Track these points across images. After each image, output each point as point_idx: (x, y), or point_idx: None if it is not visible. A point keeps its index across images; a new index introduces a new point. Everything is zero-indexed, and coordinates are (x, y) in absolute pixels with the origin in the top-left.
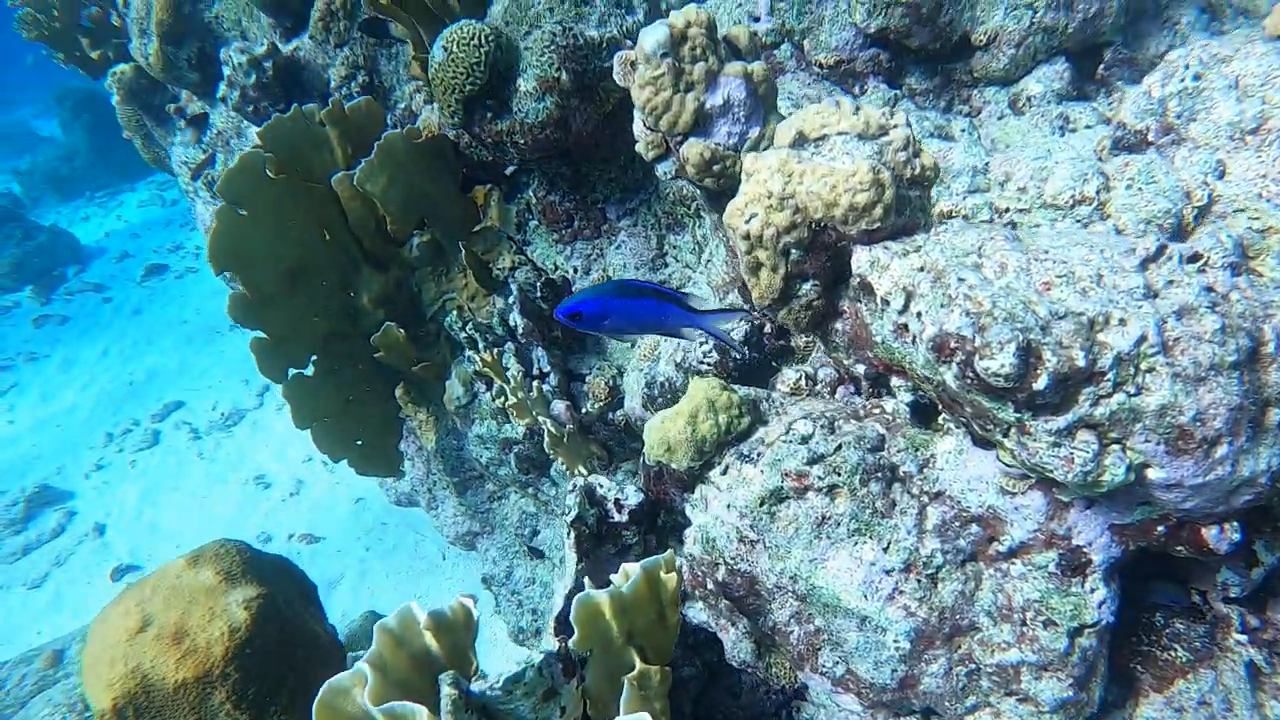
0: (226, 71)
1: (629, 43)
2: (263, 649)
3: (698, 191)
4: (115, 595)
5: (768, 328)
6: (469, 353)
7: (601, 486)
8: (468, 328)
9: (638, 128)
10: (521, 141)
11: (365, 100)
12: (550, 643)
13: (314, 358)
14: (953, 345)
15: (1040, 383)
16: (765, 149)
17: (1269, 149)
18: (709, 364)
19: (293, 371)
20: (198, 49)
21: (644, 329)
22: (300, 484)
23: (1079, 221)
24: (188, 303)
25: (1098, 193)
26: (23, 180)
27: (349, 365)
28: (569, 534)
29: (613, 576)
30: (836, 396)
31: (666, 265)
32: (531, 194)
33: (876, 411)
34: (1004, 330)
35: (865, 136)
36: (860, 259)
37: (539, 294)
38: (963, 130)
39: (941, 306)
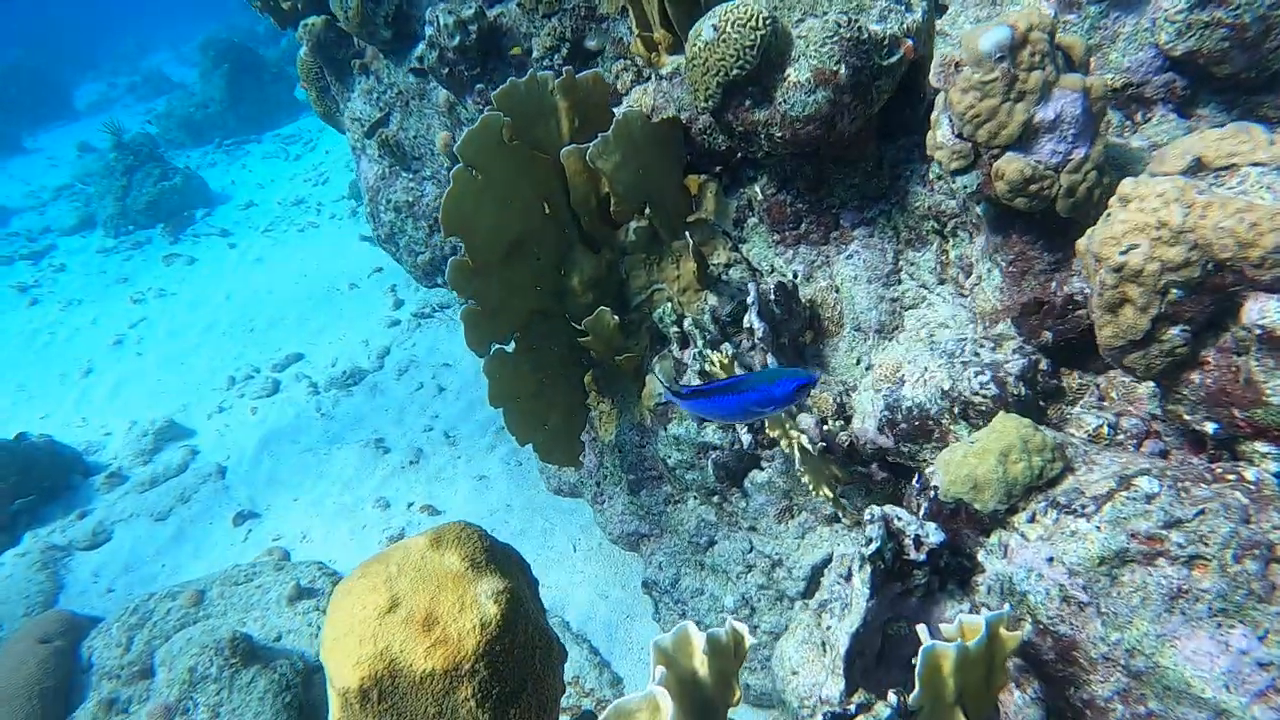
0: (429, 31)
1: (910, 40)
2: (510, 648)
3: (979, 209)
4: (356, 564)
5: (1043, 364)
6: (692, 350)
7: (900, 519)
8: (685, 323)
9: (943, 134)
10: (779, 135)
11: (593, 74)
12: (831, 686)
13: (516, 335)
14: None
15: None
16: (1149, 175)
17: None
18: (986, 396)
19: (495, 346)
20: (395, 6)
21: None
22: (420, 453)
23: None
24: (308, 257)
25: None
26: (159, 122)
27: (549, 346)
28: (863, 567)
29: (944, 626)
30: (1144, 450)
31: (900, 282)
32: (758, 189)
33: (1231, 478)
34: None
35: None
36: (1265, 309)
37: (772, 296)
38: None
39: None
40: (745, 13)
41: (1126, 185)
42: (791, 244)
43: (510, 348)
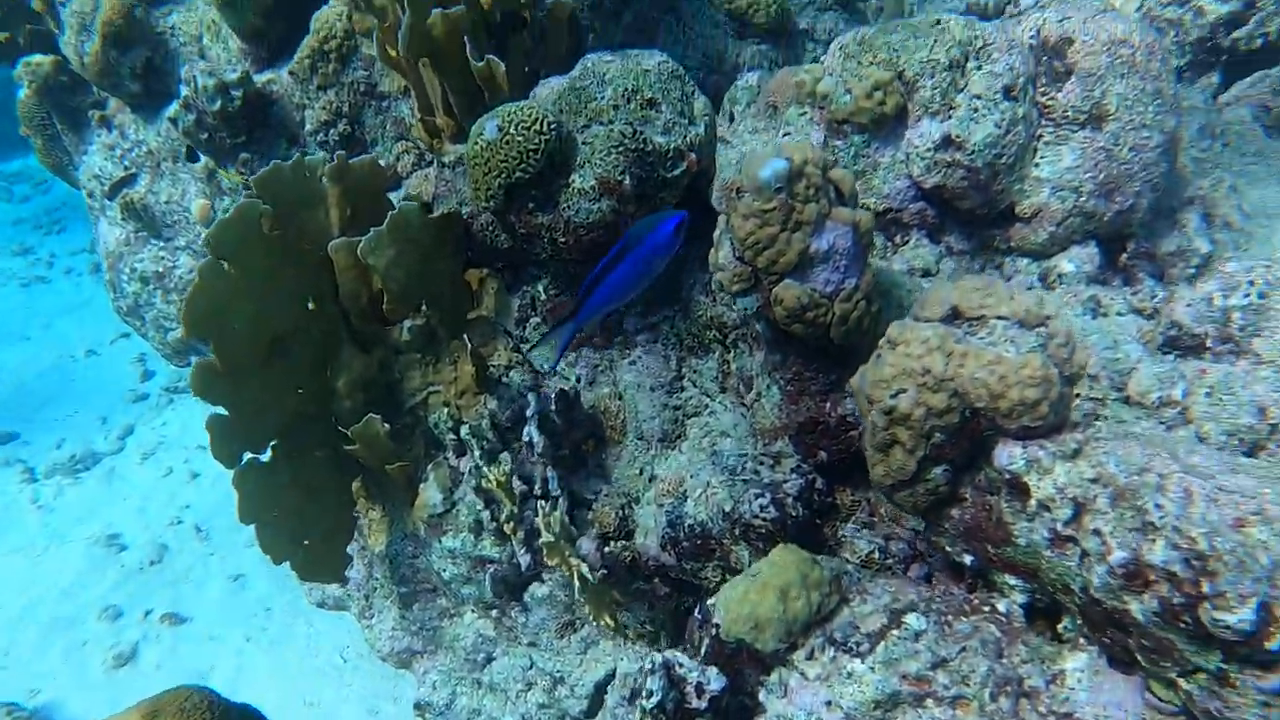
0: (185, 91)
1: (693, 154)
2: None
3: (759, 326)
4: None
5: (819, 483)
6: (469, 460)
7: (681, 666)
8: (462, 430)
9: (725, 255)
10: (562, 240)
11: (369, 160)
12: None
13: (274, 442)
14: (1153, 578)
15: (1275, 643)
16: (913, 318)
17: None
18: (766, 519)
19: (248, 457)
20: (145, 59)
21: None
22: (164, 550)
23: (1164, 424)
24: (33, 317)
25: (1184, 396)
26: None
27: (311, 454)
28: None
29: None
30: (911, 573)
31: (683, 389)
32: (541, 289)
33: (986, 610)
34: (1243, 582)
35: (1027, 325)
36: (1013, 454)
37: (552, 406)
38: None
39: (1133, 531)
40: (530, 116)
41: (894, 330)
42: (575, 346)
43: (265, 457)
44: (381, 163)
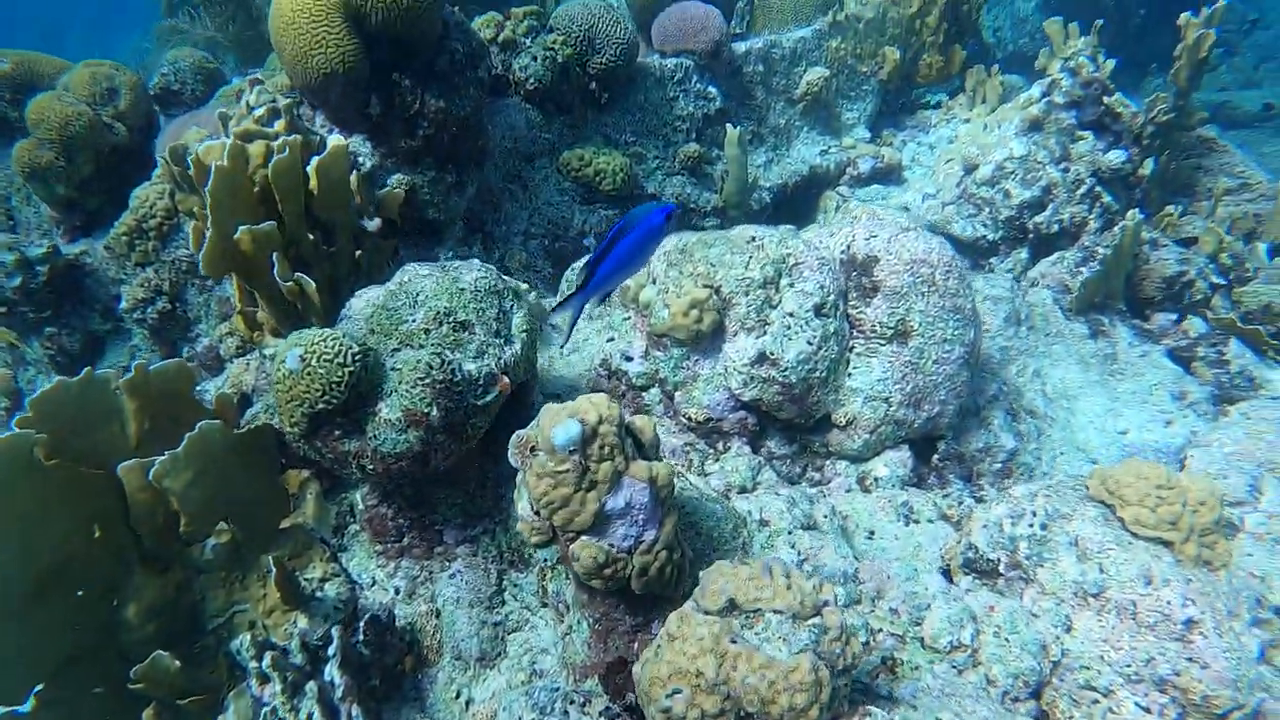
0: None
1: (505, 379)
2: None
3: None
4: None
5: None
6: (271, 688)
7: None
8: (264, 663)
9: (524, 507)
10: (370, 467)
11: (176, 364)
12: None
13: (39, 688)
14: None
15: None
16: (693, 608)
17: (1108, 616)
18: None
19: (1, 711)
20: None
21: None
22: None
23: (955, 668)
24: None
25: (972, 640)
26: None
27: (87, 693)
28: None
29: None
30: None
31: (504, 604)
32: (359, 498)
33: None
34: None
35: (800, 617)
36: None
37: (360, 636)
38: (825, 516)
39: None
40: (334, 347)
41: (673, 622)
42: (395, 556)
43: (27, 707)
44: (203, 342)
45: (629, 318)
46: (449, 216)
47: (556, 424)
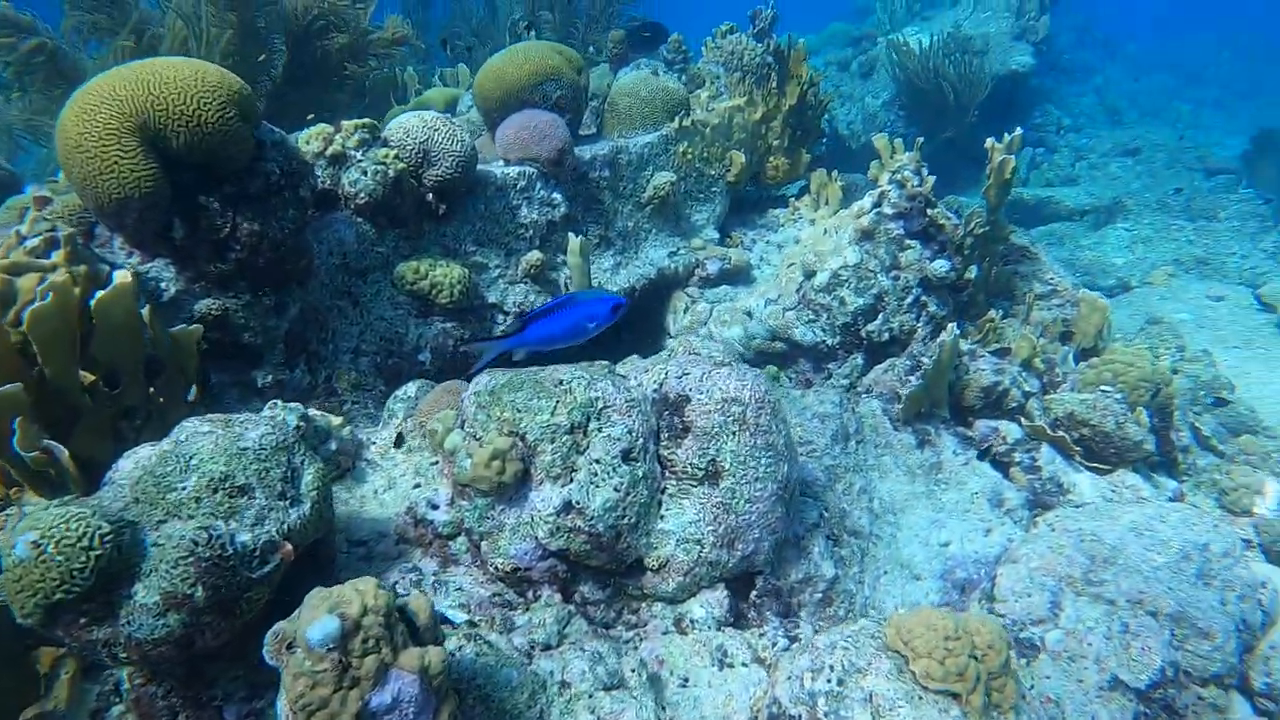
0: None
1: (288, 545)
2: None
3: None
4: None
5: None
6: None
7: None
8: None
9: (281, 708)
10: (124, 655)
11: None
12: None
13: None
14: None
15: None
16: None
17: None
18: None
19: None
20: None
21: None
22: None
23: None
24: None
25: None
26: None
27: None
28: None
29: None
30: None
31: None
32: (125, 676)
33: None
34: None
35: None
36: None
37: None
38: (633, 670)
39: None
40: (78, 530)
41: None
42: None
43: None
44: None
45: (436, 463)
46: (268, 339)
47: (314, 619)
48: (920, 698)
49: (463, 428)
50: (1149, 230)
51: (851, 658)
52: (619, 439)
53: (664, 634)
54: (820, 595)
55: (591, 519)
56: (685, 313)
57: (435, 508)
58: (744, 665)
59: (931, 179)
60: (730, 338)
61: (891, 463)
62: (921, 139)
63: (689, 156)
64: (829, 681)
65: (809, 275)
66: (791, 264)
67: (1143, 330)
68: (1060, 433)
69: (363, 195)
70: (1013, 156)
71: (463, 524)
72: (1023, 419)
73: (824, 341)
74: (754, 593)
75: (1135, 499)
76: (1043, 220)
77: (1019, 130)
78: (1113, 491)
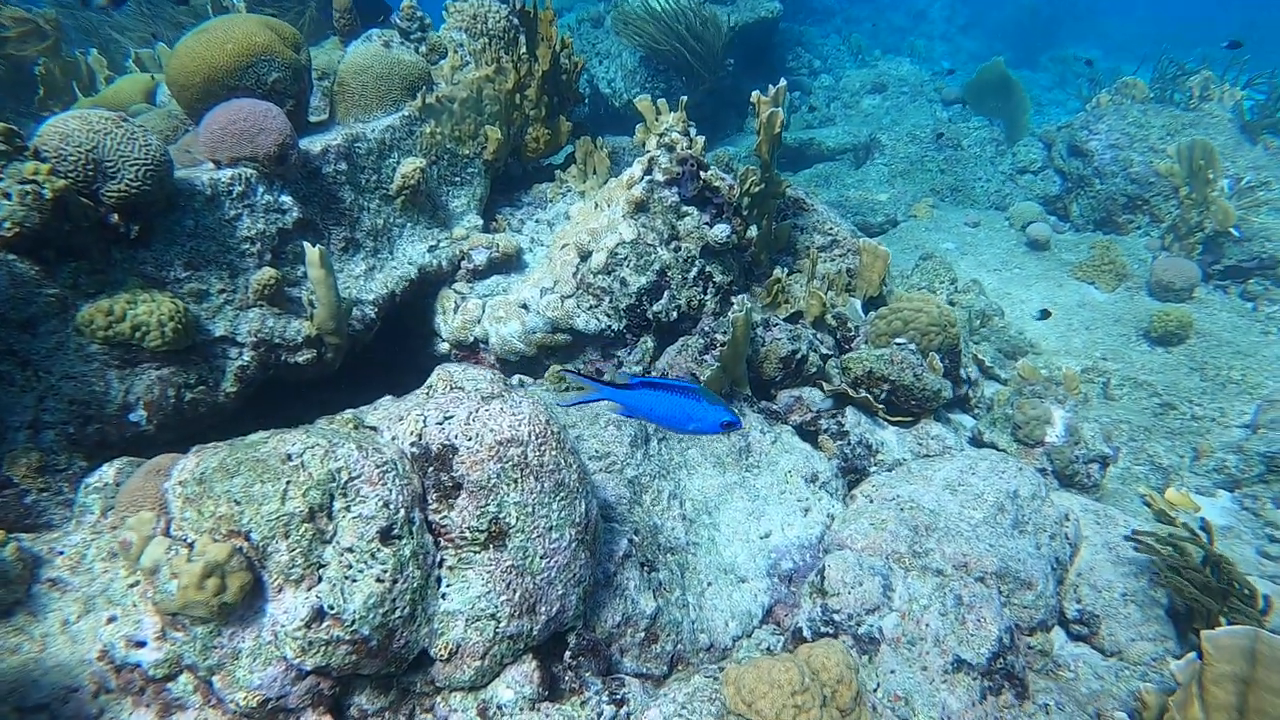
0: None
1: None
2: None
3: None
4: None
5: None
6: None
7: None
8: None
9: None
10: None
11: None
12: None
13: None
14: None
15: None
16: None
17: None
18: None
19: None
20: None
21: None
22: None
23: None
24: None
25: None
26: None
27: None
28: None
29: None
30: None
31: None
32: None
33: None
34: None
35: None
36: None
37: None
38: None
39: None
40: None
41: None
42: None
43: None
44: None
45: (135, 584)
46: None
47: None
48: None
49: (168, 533)
50: (904, 164)
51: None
52: (374, 516)
53: None
54: (643, 635)
55: (352, 623)
56: (456, 312)
57: (140, 645)
58: None
59: (701, 139)
60: (508, 335)
61: (699, 455)
62: (685, 97)
63: (438, 137)
64: None
65: (585, 257)
66: (565, 244)
67: (917, 267)
68: (862, 393)
69: (8, 226)
70: (780, 109)
71: (181, 660)
72: (824, 384)
73: (610, 327)
74: (567, 653)
75: (942, 450)
76: (808, 162)
77: (783, 82)
78: (919, 445)
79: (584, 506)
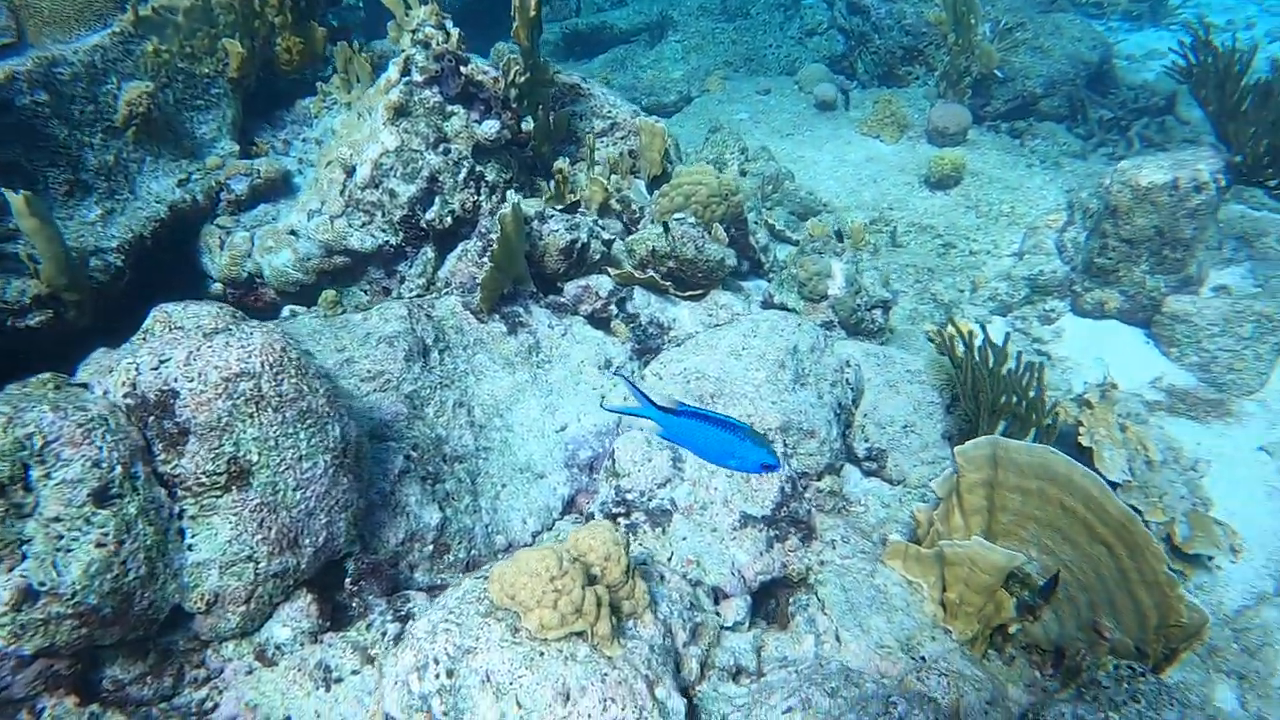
0: None
1: None
2: None
3: None
4: None
5: None
6: None
7: None
8: None
9: None
10: None
11: None
12: None
13: None
14: None
15: None
16: None
17: None
18: None
19: None
20: None
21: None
22: None
23: None
24: None
25: None
26: None
27: None
28: None
29: None
30: None
31: None
32: None
33: None
34: None
35: None
36: None
37: None
38: None
39: None
40: None
41: None
42: None
43: None
44: None
45: None
46: None
47: None
48: (541, 654)
49: None
50: (696, 39)
51: (456, 640)
52: (82, 479)
53: (248, 674)
54: (431, 547)
55: (73, 596)
56: (223, 249)
57: None
58: (354, 673)
59: (457, 31)
60: (282, 265)
61: (487, 360)
62: None
63: (164, 56)
64: (438, 678)
65: (350, 172)
66: (329, 161)
67: (707, 140)
68: (649, 273)
69: None
70: None
71: None
72: (610, 269)
73: (387, 243)
74: (348, 580)
75: (731, 318)
76: (604, 47)
77: None
78: (709, 316)
79: (338, 430)
